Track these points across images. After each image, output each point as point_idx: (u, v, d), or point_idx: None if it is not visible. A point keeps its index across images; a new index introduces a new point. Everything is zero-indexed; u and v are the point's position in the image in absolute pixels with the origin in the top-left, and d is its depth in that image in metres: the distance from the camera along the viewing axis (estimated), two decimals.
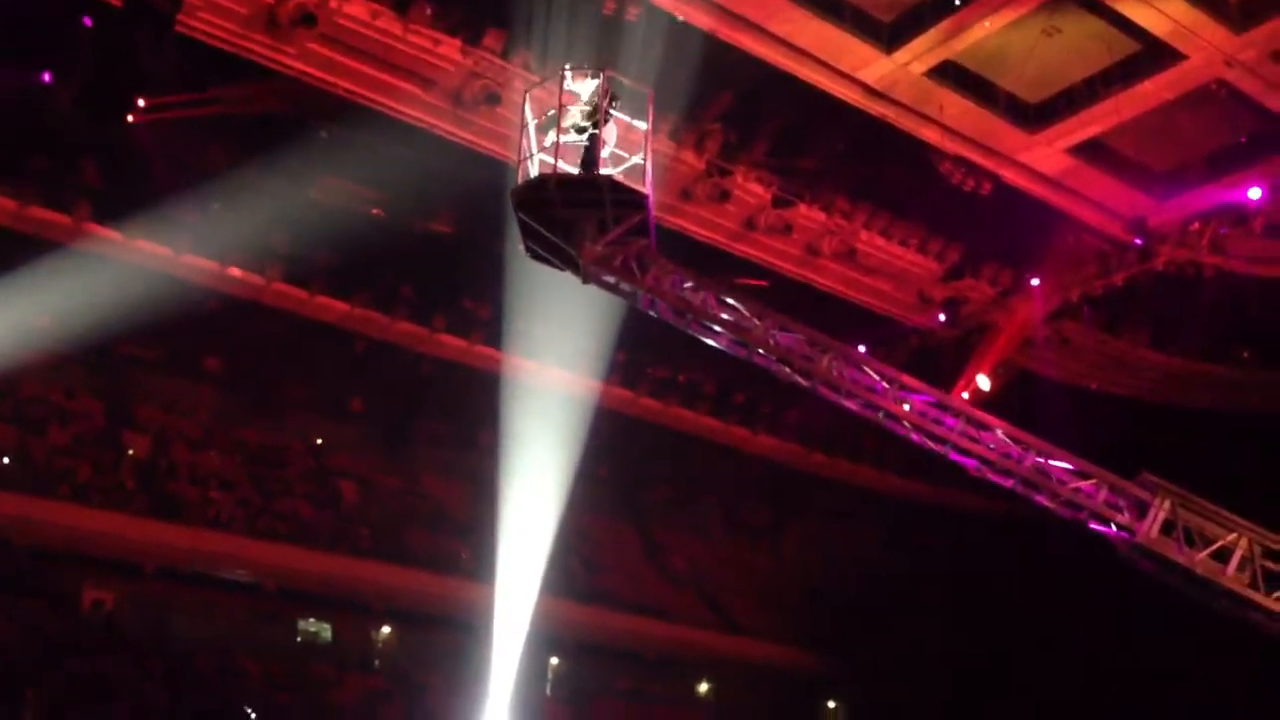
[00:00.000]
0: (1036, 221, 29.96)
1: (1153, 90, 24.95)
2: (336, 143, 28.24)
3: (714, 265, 29.95)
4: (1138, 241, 29.22)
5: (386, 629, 35.31)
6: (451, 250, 32.30)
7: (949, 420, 12.96)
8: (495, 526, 32.07)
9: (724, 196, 28.52)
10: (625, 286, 12.63)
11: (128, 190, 29.20)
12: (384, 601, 34.61)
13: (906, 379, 13.22)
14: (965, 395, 32.81)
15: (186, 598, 31.73)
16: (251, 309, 31.25)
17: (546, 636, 31.14)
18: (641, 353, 34.39)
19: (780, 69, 24.89)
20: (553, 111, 12.11)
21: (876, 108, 26.09)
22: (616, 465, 38.34)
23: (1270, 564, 12.38)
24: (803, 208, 29.58)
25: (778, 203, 29.19)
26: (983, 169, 27.64)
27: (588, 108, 12.16)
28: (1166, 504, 12.46)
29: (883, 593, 39.08)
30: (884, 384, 13.01)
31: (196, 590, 31.81)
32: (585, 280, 12.56)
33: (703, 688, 41.32)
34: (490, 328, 34.45)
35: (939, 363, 33.40)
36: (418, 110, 25.79)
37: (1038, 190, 28.65)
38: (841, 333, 32.94)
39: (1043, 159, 27.78)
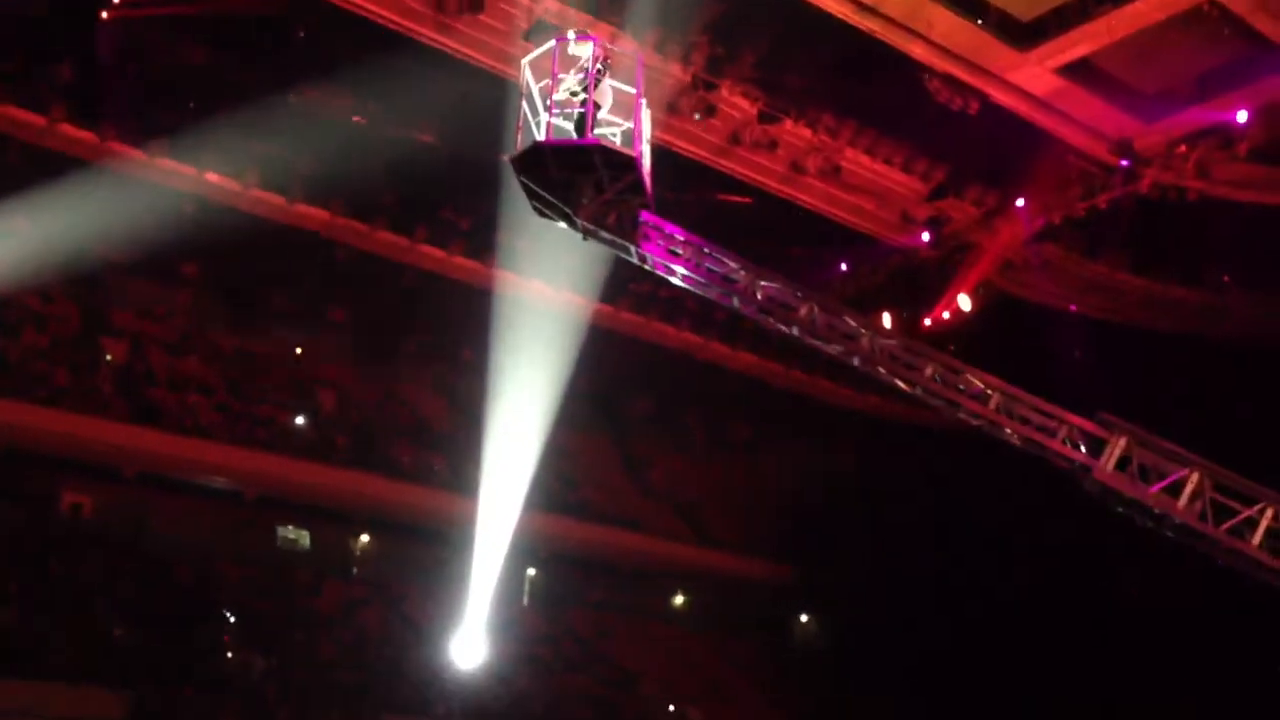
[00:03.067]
0: (1022, 142, 29.77)
1: (1144, 10, 24.64)
2: (316, 47, 27.74)
3: (698, 181, 29.82)
4: (1123, 164, 29.11)
5: (365, 537, 35.61)
6: (433, 160, 31.92)
7: (921, 363, 13.82)
8: (474, 439, 32.18)
9: (710, 111, 28.19)
10: (620, 242, 13.53)
11: (103, 91, 28.69)
12: (363, 510, 34.87)
13: (881, 327, 14.32)
14: (946, 315, 32.94)
15: (165, 503, 31.87)
16: (229, 215, 30.86)
17: (524, 547, 31.45)
18: (623, 267, 34.27)
19: None
20: (546, 81, 12.62)
21: (865, 23, 25.69)
22: (597, 380, 38.41)
23: (1220, 497, 13.05)
24: (788, 124, 29.29)
25: (764, 118, 28.89)
26: (970, 87, 27.36)
27: (583, 73, 12.73)
28: (1122, 441, 13.22)
29: (858, 508, 39.56)
30: (862, 330, 13.90)
31: (175, 496, 31.95)
32: (584, 238, 13.48)
33: (678, 599, 41.97)
34: (471, 239, 34.25)
35: (921, 282, 33.44)
36: (398, 15, 25.27)
37: (1025, 110, 28.39)
38: (824, 251, 33.34)
39: (1031, 78, 27.49)
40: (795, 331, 13.82)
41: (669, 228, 13.64)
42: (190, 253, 34.05)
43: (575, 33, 12.85)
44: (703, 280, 13.83)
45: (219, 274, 35.34)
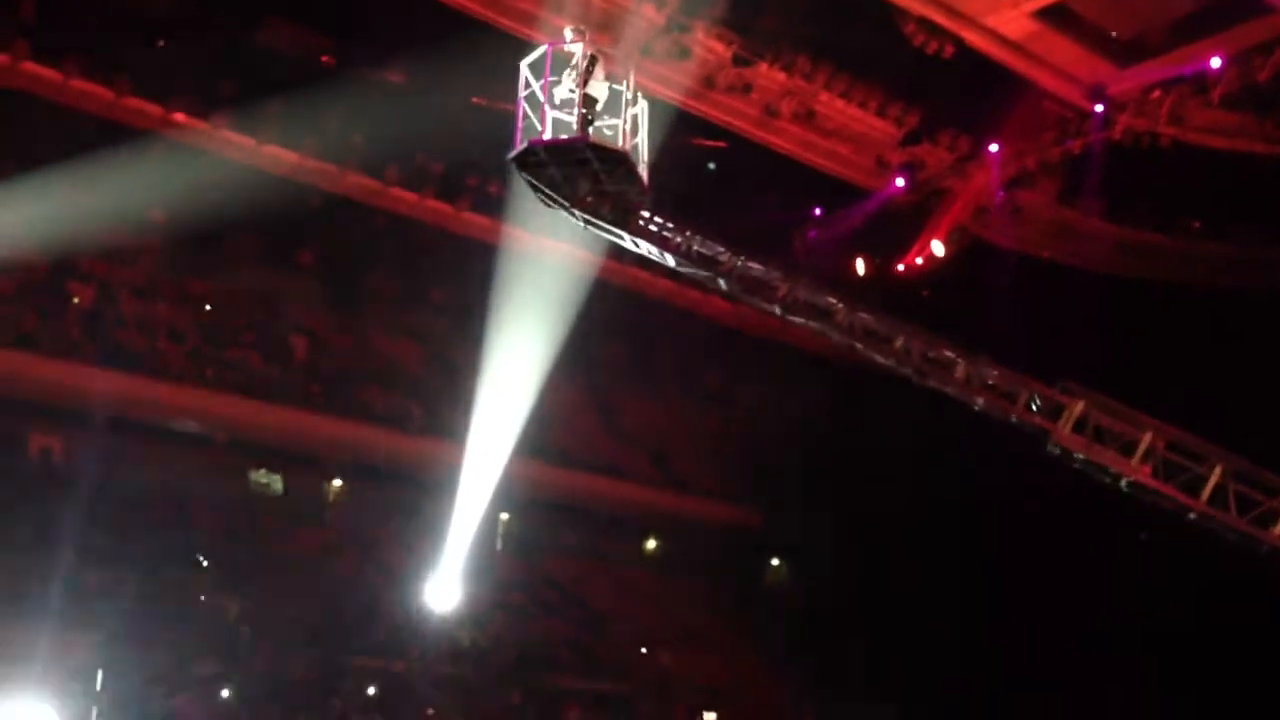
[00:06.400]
0: (997, 87, 29.70)
1: None
2: None
3: (671, 124, 29.55)
4: (1097, 109, 29.10)
5: (338, 482, 35.55)
6: (406, 102, 31.52)
7: (893, 336, 14.87)
8: (448, 384, 32.05)
9: (684, 54, 27.97)
10: (615, 232, 14.50)
11: (66, 28, 28.13)
12: (335, 455, 34.75)
13: (859, 305, 15.12)
14: (920, 260, 32.98)
15: (136, 447, 31.66)
16: (197, 156, 30.42)
17: (497, 493, 31.46)
18: None
19: None
20: (543, 82, 13.24)
21: None
22: (571, 325, 38.26)
23: (1172, 456, 14.18)
24: (763, 67, 29.10)
25: (738, 61, 28.69)
26: (946, 31, 27.23)
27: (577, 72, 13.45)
28: (1079, 405, 14.38)
29: (829, 455, 39.70)
30: (838, 305, 14.92)
31: (146, 440, 31.72)
32: (584, 227, 14.47)
33: (650, 544, 42.20)
34: (443, 183, 33.91)
35: (895, 227, 33.42)
36: None
37: (1000, 55, 28.29)
38: (799, 195, 33.19)
39: (1007, 22, 27.39)
40: (777, 310, 14.88)
41: (661, 217, 14.57)
42: (157, 195, 33.55)
43: (571, 30, 13.40)
44: (692, 264, 14.85)
45: (187, 217, 34.81)
